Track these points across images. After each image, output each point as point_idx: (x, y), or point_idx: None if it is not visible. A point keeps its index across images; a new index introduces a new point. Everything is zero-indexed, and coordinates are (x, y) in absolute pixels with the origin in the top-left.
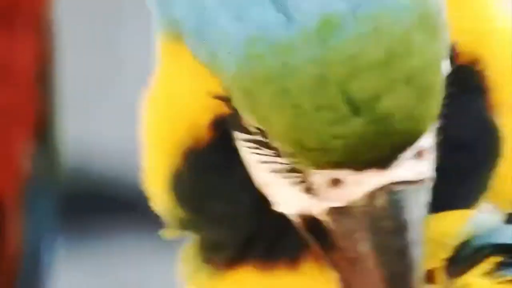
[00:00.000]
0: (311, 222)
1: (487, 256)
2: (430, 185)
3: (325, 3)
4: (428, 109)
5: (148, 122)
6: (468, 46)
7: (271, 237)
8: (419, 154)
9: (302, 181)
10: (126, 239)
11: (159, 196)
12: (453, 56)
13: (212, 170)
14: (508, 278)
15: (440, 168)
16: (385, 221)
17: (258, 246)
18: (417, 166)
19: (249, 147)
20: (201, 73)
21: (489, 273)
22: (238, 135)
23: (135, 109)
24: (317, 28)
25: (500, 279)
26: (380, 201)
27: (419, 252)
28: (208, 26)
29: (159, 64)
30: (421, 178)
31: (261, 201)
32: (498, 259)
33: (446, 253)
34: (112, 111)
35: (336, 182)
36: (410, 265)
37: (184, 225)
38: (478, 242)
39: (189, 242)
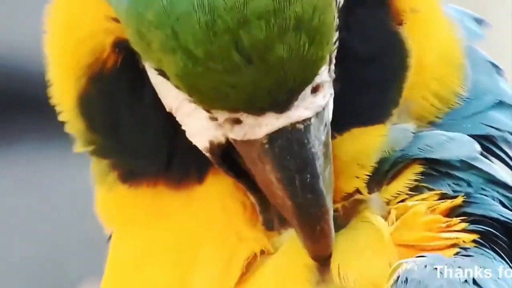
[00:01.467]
0: (221, 156)
1: (406, 167)
2: (328, 113)
3: None
4: (320, 50)
5: (51, 42)
6: None
7: (182, 155)
8: (315, 89)
9: (207, 111)
10: (33, 138)
11: (71, 120)
12: None
13: (120, 94)
14: (436, 192)
15: (349, 82)
16: (288, 159)
17: (171, 164)
18: (314, 101)
19: (152, 73)
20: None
21: (414, 185)
22: (141, 59)
23: (38, 6)
24: None
25: (427, 195)
26: (281, 141)
27: (327, 181)
28: None
29: None
30: (319, 110)
31: (171, 122)
32: (418, 169)
33: (366, 172)
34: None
35: (236, 120)
36: (317, 196)
37: (98, 151)
38: (396, 155)
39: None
